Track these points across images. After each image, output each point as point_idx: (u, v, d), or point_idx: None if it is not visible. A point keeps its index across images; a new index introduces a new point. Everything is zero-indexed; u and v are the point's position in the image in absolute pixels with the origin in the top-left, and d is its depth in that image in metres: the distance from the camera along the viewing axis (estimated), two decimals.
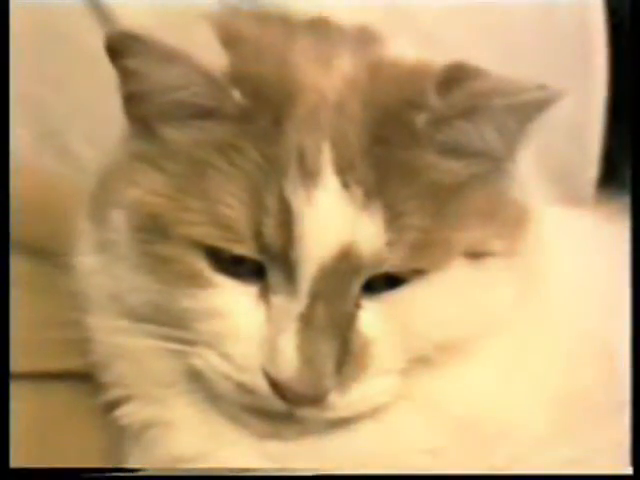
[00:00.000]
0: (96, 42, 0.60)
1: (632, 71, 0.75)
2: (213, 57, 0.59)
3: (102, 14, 0.68)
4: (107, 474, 0.64)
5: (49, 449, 0.67)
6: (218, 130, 0.59)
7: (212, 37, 0.60)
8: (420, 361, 0.61)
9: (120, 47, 0.59)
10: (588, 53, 0.96)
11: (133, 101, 0.62)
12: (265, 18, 0.66)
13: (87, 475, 0.63)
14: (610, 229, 0.75)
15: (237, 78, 0.58)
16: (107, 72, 0.61)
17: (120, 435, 0.67)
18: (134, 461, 0.66)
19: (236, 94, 0.58)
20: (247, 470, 0.62)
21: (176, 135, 0.61)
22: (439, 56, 0.62)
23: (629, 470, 0.61)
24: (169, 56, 0.58)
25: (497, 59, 0.81)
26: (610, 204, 0.80)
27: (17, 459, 0.64)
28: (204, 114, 0.60)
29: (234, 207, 0.57)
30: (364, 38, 0.65)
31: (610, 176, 0.98)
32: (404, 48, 0.65)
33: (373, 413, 0.61)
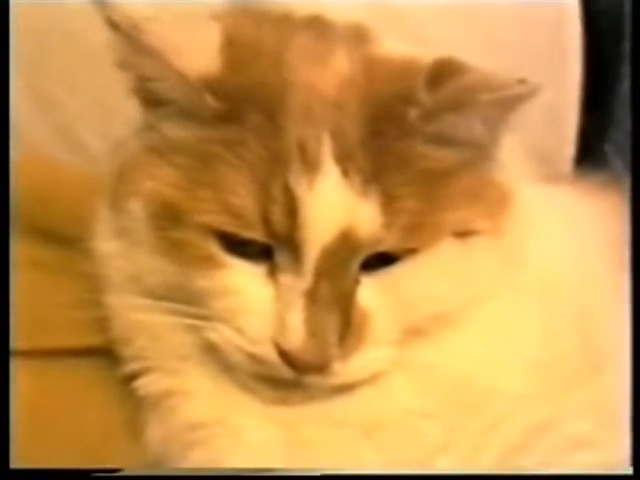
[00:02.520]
0: (104, 39, 0.63)
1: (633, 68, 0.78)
2: (196, 60, 0.62)
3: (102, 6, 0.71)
4: (108, 474, 0.66)
5: (71, 423, 0.71)
6: (201, 131, 0.62)
7: (214, 38, 0.63)
8: (413, 331, 0.65)
9: (114, 34, 0.62)
10: (564, 42, 0.99)
11: (137, 90, 0.65)
12: (265, 16, 0.68)
13: (88, 475, 0.65)
14: (587, 203, 0.79)
15: (216, 82, 0.61)
16: (115, 69, 0.64)
17: (139, 406, 0.71)
18: (152, 429, 0.70)
19: (209, 98, 0.61)
20: (247, 470, 0.66)
21: (174, 132, 0.64)
22: (426, 51, 0.66)
23: (629, 470, 0.63)
24: (144, 49, 0.61)
25: (480, 51, 0.86)
26: (586, 180, 0.84)
27: (40, 433, 0.68)
28: (185, 114, 0.63)
29: (243, 196, 0.61)
30: (357, 36, 0.68)
31: (586, 154, 1.02)
32: (394, 45, 0.68)
33: (372, 379, 0.65)
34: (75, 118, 0.90)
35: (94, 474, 0.65)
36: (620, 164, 0.94)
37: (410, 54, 0.66)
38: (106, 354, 0.72)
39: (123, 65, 0.64)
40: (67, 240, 0.74)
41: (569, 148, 1.01)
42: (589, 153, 1.01)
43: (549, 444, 0.66)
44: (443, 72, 0.62)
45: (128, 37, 0.61)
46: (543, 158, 0.76)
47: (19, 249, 0.76)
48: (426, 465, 0.65)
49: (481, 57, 0.65)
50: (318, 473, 0.64)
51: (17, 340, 0.70)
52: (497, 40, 0.98)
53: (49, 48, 0.89)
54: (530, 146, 0.72)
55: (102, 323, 0.70)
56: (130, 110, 0.68)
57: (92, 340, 0.72)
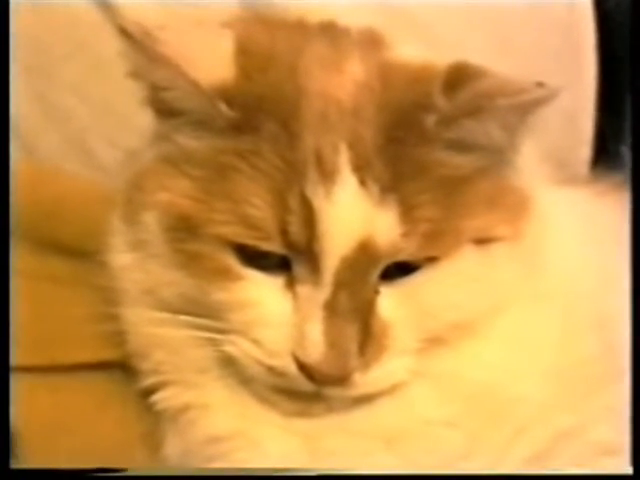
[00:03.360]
0: (114, 48, 0.63)
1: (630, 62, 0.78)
2: (209, 68, 0.61)
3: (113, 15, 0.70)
4: (108, 474, 0.65)
5: (89, 438, 0.70)
6: (216, 141, 0.62)
7: (227, 46, 0.63)
8: (434, 341, 0.65)
9: (126, 43, 0.61)
10: (579, 42, 0.98)
11: (150, 99, 0.65)
12: (277, 23, 0.68)
13: (87, 475, 0.65)
14: (604, 205, 0.78)
15: (230, 91, 0.61)
16: (126, 79, 0.64)
17: (157, 420, 0.70)
18: (171, 443, 0.70)
19: (223, 107, 0.61)
20: (247, 470, 0.66)
21: (188, 142, 0.63)
22: (439, 55, 0.65)
23: (629, 470, 0.62)
24: (156, 58, 0.61)
25: (493, 53, 0.85)
26: (603, 182, 0.83)
27: (57, 450, 0.68)
28: (199, 123, 0.62)
29: (259, 207, 0.60)
30: (372, 41, 0.67)
31: (602, 155, 1.01)
32: (408, 49, 0.67)
33: (392, 389, 0.65)
34: (86, 129, 0.90)
35: (94, 474, 0.65)
36: None
37: (425, 58, 0.66)
38: (123, 368, 0.72)
39: (136, 74, 0.63)
40: (81, 253, 0.73)
41: (585, 150, 1.00)
42: (606, 154, 1.00)
43: (573, 451, 0.65)
44: (460, 77, 0.61)
45: (140, 46, 0.61)
46: (559, 161, 0.75)
47: (32, 263, 0.76)
48: None
49: (494, 60, 0.64)
50: (316, 473, 0.64)
51: (33, 356, 0.70)
52: (510, 42, 0.97)
53: (59, 58, 0.88)
54: (546, 149, 0.71)
55: (118, 337, 0.70)
56: (142, 120, 0.68)
57: (108, 354, 0.72)
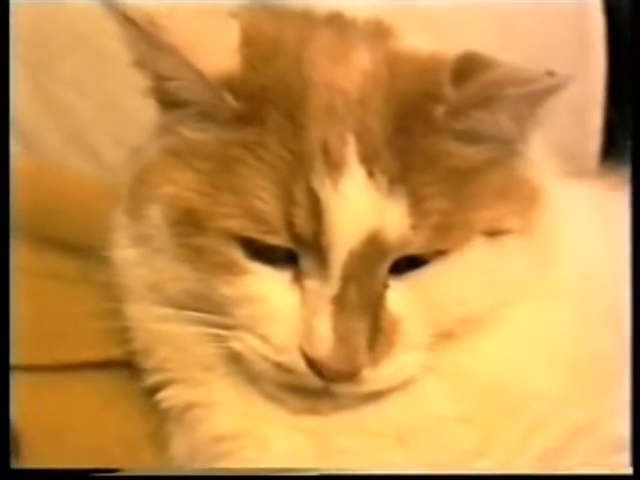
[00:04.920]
0: (115, 43, 0.62)
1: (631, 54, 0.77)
2: (215, 58, 0.60)
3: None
4: (108, 474, 0.65)
5: (94, 438, 0.69)
6: (221, 133, 0.61)
7: (232, 36, 0.62)
8: (444, 335, 0.64)
9: (127, 32, 0.61)
10: (587, 34, 0.97)
11: (154, 90, 0.64)
12: (284, 13, 0.67)
13: (88, 475, 0.64)
14: (614, 198, 0.77)
15: (235, 81, 0.60)
16: (127, 72, 0.63)
17: (162, 419, 0.69)
18: (177, 442, 0.69)
19: (228, 98, 0.60)
20: (248, 470, 0.65)
21: (193, 134, 0.63)
22: (446, 46, 0.64)
23: (629, 470, 0.62)
24: (161, 47, 0.60)
25: (501, 45, 0.84)
26: (613, 175, 0.82)
27: (62, 449, 0.68)
28: (203, 115, 0.62)
29: (265, 200, 0.59)
30: (379, 32, 0.67)
31: (611, 149, 1.00)
32: (416, 40, 0.67)
33: (403, 385, 0.64)
34: (87, 124, 0.89)
35: (94, 474, 0.64)
36: None
37: (433, 49, 0.65)
38: (127, 367, 0.71)
39: (139, 64, 0.62)
40: (83, 250, 0.72)
41: (594, 143, 1.00)
42: (616, 148, 0.99)
43: (589, 446, 0.64)
44: (468, 67, 0.61)
45: (144, 34, 0.60)
46: (568, 154, 0.75)
47: (34, 260, 0.75)
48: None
49: (502, 51, 0.63)
50: (323, 473, 0.63)
51: (36, 355, 0.70)
52: (517, 35, 0.96)
53: (59, 52, 0.87)
54: (554, 142, 0.71)
55: (123, 334, 0.69)
56: (144, 114, 0.67)
57: (113, 353, 0.71)
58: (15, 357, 0.66)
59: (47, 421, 0.69)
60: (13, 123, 0.83)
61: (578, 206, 0.72)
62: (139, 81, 0.64)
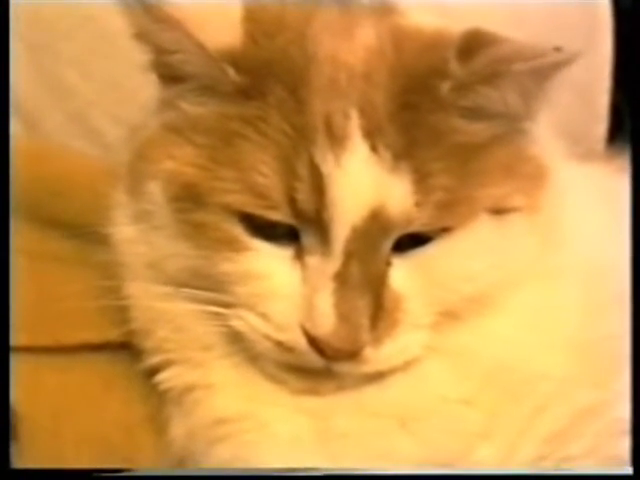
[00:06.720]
0: (117, 23, 0.61)
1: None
2: (217, 31, 0.60)
3: None
4: (108, 474, 0.64)
5: (92, 420, 0.69)
6: (222, 108, 0.60)
7: (235, 9, 0.61)
8: (448, 315, 0.63)
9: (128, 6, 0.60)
10: (594, 14, 0.97)
11: (155, 64, 0.63)
12: None
13: (88, 475, 0.64)
14: (621, 181, 0.76)
15: (237, 55, 0.59)
16: (129, 52, 0.62)
17: (161, 401, 0.68)
18: (176, 425, 0.68)
19: (230, 72, 0.59)
20: (248, 470, 0.64)
21: (194, 108, 0.62)
22: (452, 23, 0.64)
23: (629, 470, 0.61)
24: (163, 19, 0.59)
25: (507, 25, 0.83)
26: (621, 158, 0.81)
27: (61, 431, 0.67)
28: (204, 89, 0.61)
29: (267, 175, 0.58)
30: (384, 8, 0.66)
31: (618, 132, 0.99)
32: (422, 17, 0.66)
33: (406, 366, 0.63)
34: (90, 105, 0.89)
35: (94, 474, 0.63)
36: None
37: (438, 25, 0.64)
38: (127, 349, 0.70)
39: (140, 37, 0.62)
40: (84, 230, 0.71)
41: (601, 126, 0.99)
42: (622, 131, 0.98)
43: (595, 429, 0.63)
44: (475, 43, 0.60)
45: (146, 6, 0.59)
46: (575, 137, 0.74)
47: (34, 241, 0.74)
48: (466, 455, 0.62)
49: (508, 31, 0.62)
50: (318, 473, 0.62)
51: (37, 336, 0.69)
52: (525, 14, 0.95)
53: (61, 33, 0.87)
54: (561, 125, 0.70)
55: (121, 315, 0.68)
56: (147, 94, 0.66)
57: (112, 334, 0.70)
58: (16, 338, 0.65)
59: (47, 402, 0.68)
60: (15, 103, 0.83)
61: (584, 188, 0.72)
62: (141, 61, 0.63)
